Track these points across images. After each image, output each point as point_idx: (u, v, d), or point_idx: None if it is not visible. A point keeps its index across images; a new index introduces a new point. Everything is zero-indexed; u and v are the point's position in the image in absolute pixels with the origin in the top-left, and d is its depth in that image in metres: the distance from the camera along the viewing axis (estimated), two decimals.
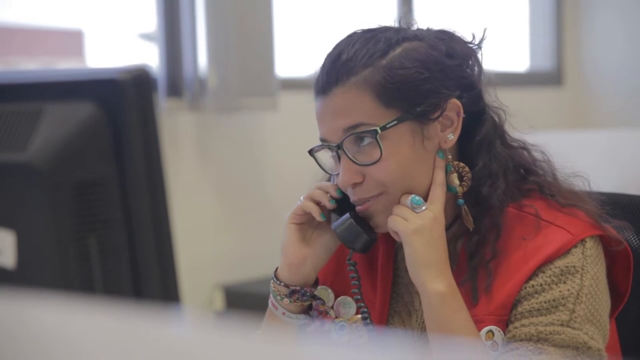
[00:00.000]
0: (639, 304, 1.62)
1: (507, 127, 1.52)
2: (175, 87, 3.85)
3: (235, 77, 3.80)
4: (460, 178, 1.45)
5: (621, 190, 1.74)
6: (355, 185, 1.43)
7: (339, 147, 1.42)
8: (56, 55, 4.40)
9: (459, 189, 1.45)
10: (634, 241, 1.63)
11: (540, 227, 1.41)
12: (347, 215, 1.46)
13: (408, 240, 1.40)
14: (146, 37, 4.16)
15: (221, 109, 3.83)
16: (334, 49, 1.46)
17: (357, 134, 1.40)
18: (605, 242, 1.44)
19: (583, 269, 1.39)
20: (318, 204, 1.49)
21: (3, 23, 4.03)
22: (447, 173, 1.45)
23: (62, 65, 4.38)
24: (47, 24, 4.26)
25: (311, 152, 1.50)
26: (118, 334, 0.64)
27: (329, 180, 1.53)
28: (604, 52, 5.51)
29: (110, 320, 0.66)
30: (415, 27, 1.49)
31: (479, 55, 1.48)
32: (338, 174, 1.45)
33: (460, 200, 1.45)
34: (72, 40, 4.43)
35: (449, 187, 1.45)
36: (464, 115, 1.44)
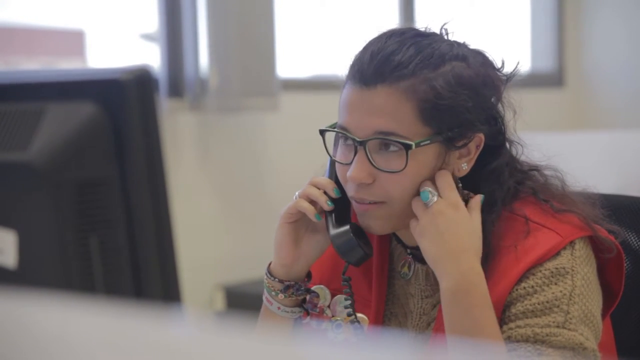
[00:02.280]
0: (639, 305, 1.63)
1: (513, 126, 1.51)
2: (176, 88, 3.86)
3: (236, 77, 3.80)
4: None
5: (622, 191, 1.75)
6: (362, 183, 1.42)
7: (362, 144, 1.40)
8: (57, 55, 4.40)
9: None
10: (634, 243, 1.63)
11: (530, 229, 1.41)
12: (348, 227, 1.45)
13: (418, 243, 1.41)
14: (147, 37, 4.16)
15: (222, 109, 3.83)
16: (386, 44, 1.41)
17: (389, 141, 1.38)
18: (597, 243, 1.44)
19: (573, 270, 1.39)
20: (313, 202, 1.48)
21: (3, 23, 4.03)
22: None
23: (63, 65, 4.38)
24: (48, 23, 4.26)
25: (322, 133, 1.46)
26: (119, 334, 0.64)
27: (332, 167, 1.50)
28: (605, 53, 5.51)
29: (111, 320, 0.66)
30: (452, 38, 1.46)
31: (504, 87, 1.47)
32: (344, 164, 1.43)
33: None
34: (73, 40, 4.43)
35: None
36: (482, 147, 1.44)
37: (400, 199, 1.41)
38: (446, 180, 1.40)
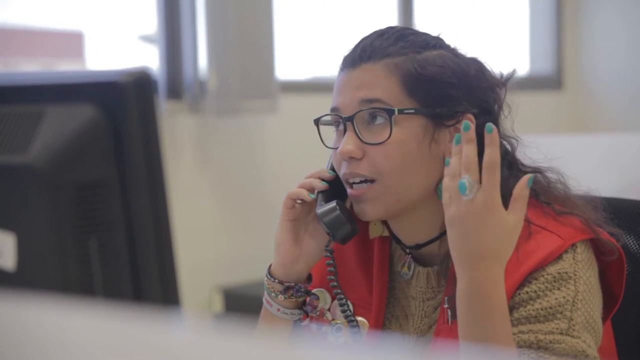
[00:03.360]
0: (639, 305, 1.63)
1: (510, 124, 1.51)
2: (175, 90, 3.86)
3: (235, 79, 3.80)
4: None
5: (621, 194, 1.74)
6: (352, 159, 1.43)
7: (350, 119, 1.43)
8: (56, 56, 4.41)
9: None
10: (633, 246, 1.63)
11: (531, 232, 1.41)
12: (334, 203, 1.46)
13: (447, 228, 1.35)
14: (146, 39, 4.17)
15: (221, 111, 3.83)
16: (372, 33, 1.48)
17: (373, 109, 1.42)
18: (599, 246, 1.44)
19: (575, 275, 1.39)
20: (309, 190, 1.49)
21: (3, 24, 4.03)
22: None
23: (62, 67, 4.39)
24: (47, 25, 4.26)
25: (317, 122, 1.50)
26: (118, 336, 0.64)
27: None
28: (604, 56, 5.52)
29: (110, 322, 0.66)
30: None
31: (502, 92, 1.48)
32: (337, 148, 1.45)
33: None
34: (72, 42, 4.43)
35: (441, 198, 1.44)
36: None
37: (390, 174, 1.41)
38: (495, 176, 1.31)
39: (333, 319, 1.53)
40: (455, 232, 1.34)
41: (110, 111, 0.91)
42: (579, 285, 1.39)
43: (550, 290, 1.38)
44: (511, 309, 1.38)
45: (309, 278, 1.53)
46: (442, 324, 1.42)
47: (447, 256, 1.41)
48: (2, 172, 0.92)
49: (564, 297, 1.37)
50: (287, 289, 1.51)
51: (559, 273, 1.38)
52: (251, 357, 0.60)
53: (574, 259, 1.40)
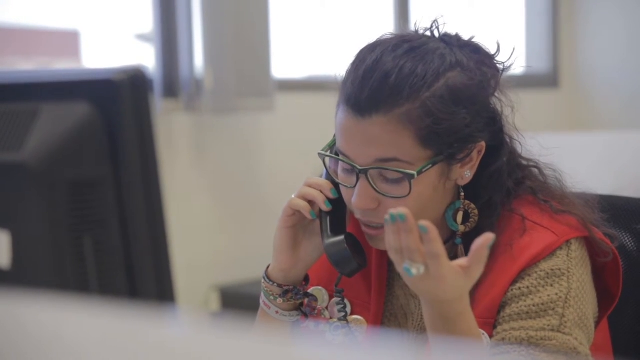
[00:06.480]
0: (635, 305, 1.63)
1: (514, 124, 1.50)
2: (171, 88, 3.85)
3: (231, 78, 3.80)
4: (467, 217, 1.44)
5: (617, 192, 1.75)
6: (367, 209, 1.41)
7: (364, 172, 1.38)
8: (53, 55, 4.40)
9: (461, 228, 1.44)
10: (629, 244, 1.63)
11: (526, 228, 1.41)
12: (342, 238, 1.44)
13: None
14: (142, 37, 4.16)
15: (217, 109, 3.83)
16: (378, 63, 1.37)
17: (391, 170, 1.37)
18: (594, 246, 1.44)
19: (569, 272, 1.39)
20: (311, 203, 1.47)
21: (0, 24, 4.03)
22: (456, 209, 1.44)
23: (59, 66, 4.38)
24: (43, 24, 4.26)
25: (323, 157, 1.46)
26: (113, 334, 0.64)
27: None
28: (600, 54, 5.52)
29: (106, 320, 0.66)
30: (443, 30, 1.46)
31: (501, 76, 1.46)
32: (348, 187, 1.42)
33: (458, 240, 1.44)
34: (68, 41, 4.42)
35: (451, 224, 1.44)
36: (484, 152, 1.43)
37: None
38: (439, 262, 1.26)
39: (331, 318, 1.52)
40: (413, 288, 1.32)
41: (105, 109, 0.91)
42: (572, 283, 1.39)
43: (543, 287, 1.38)
44: (504, 305, 1.39)
45: (306, 279, 1.53)
46: None
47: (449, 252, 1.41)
48: None
49: (556, 294, 1.37)
50: (286, 292, 1.50)
51: (552, 269, 1.38)
52: (248, 355, 0.60)
53: (567, 255, 1.40)
